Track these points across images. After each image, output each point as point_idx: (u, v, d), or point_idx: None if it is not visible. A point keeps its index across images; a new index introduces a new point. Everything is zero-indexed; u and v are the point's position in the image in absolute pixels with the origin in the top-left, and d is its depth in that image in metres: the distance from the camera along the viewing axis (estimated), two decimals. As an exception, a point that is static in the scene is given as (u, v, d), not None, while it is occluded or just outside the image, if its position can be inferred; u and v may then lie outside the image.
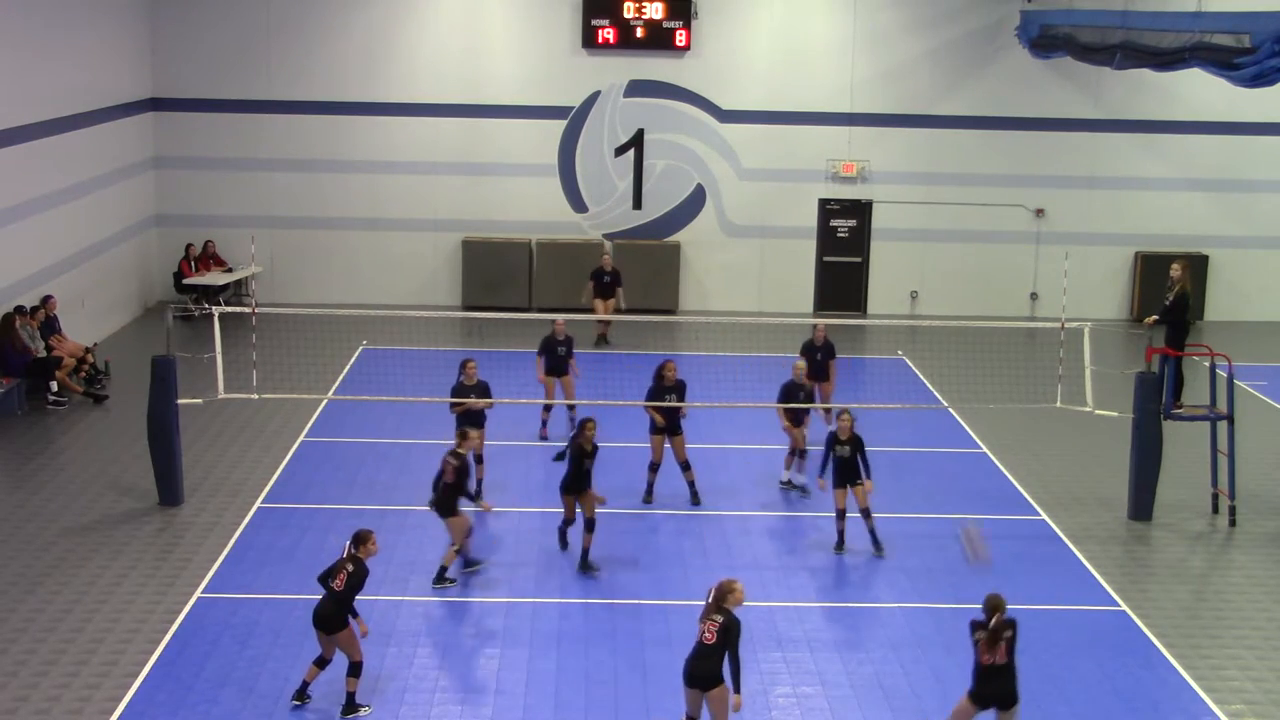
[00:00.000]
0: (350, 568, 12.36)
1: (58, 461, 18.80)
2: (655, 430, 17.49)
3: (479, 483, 17.37)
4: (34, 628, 13.76)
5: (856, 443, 15.93)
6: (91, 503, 17.24)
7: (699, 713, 11.37)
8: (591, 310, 25.05)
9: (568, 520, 15.77)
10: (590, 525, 15.41)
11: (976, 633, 11.08)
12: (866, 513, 15.97)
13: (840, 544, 16.11)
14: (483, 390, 17.43)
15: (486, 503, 15.93)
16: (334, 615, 12.28)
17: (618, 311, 24.98)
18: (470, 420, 17.19)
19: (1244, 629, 14.52)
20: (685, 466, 17.57)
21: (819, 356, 19.44)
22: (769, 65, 28.24)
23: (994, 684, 11.02)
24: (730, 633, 11.14)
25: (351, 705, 12.30)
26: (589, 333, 24.92)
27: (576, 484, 15.52)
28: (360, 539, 12.56)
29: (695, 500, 17.55)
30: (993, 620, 11.00)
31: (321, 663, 12.42)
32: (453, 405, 17.35)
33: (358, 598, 12.43)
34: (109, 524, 16.54)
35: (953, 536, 15.21)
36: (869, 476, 15.98)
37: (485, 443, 17.53)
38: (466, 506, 15.11)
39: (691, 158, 28.47)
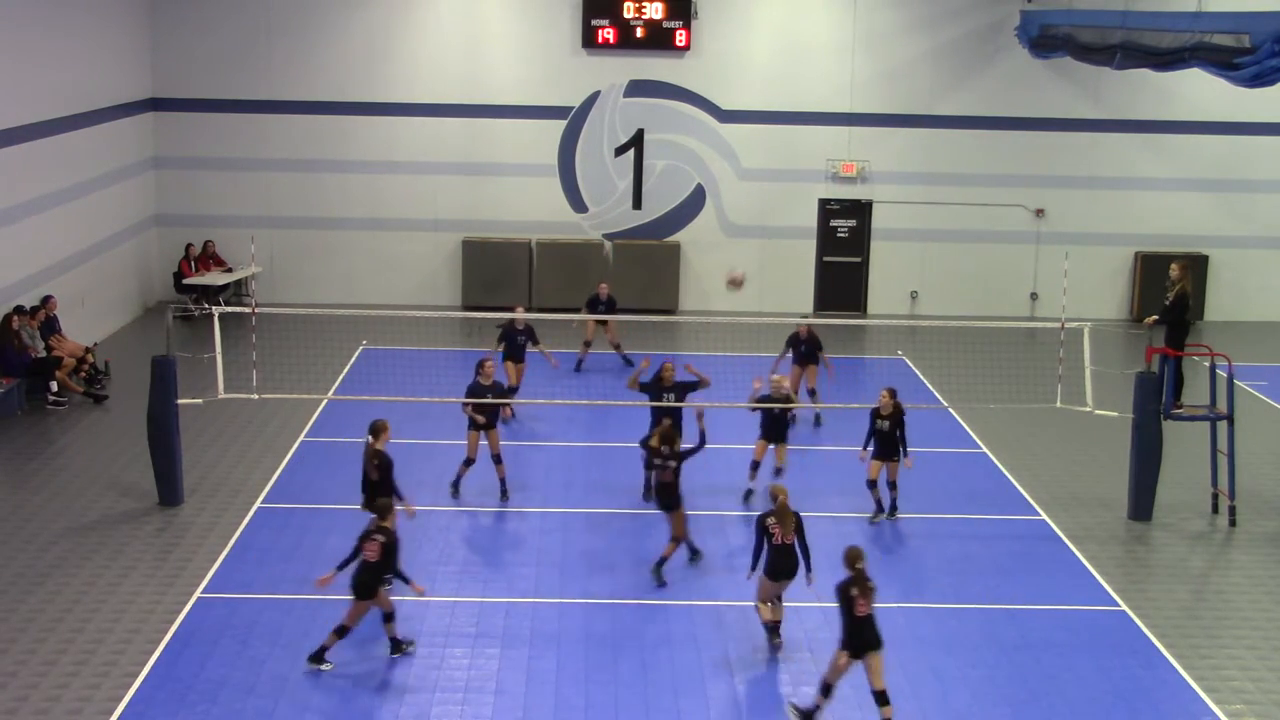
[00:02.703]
0: (381, 538, 12.93)
1: (58, 461, 18.80)
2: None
3: (502, 481, 17.43)
4: (34, 628, 13.77)
5: (897, 419, 16.78)
6: (91, 503, 17.23)
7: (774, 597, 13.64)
8: (585, 334, 23.83)
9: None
10: (679, 544, 15.42)
11: (853, 589, 11.88)
12: (893, 484, 17.03)
13: (879, 510, 17.08)
14: (499, 390, 17.50)
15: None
16: (370, 583, 12.93)
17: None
18: (485, 420, 17.27)
19: (1244, 629, 14.53)
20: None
21: (803, 349, 20.51)
22: (769, 65, 28.24)
23: (868, 633, 12.00)
24: (801, 529, 13.40)
25: (397, 646, 13.28)
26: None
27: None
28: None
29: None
30: (858, 567, 11.93)
31: (342, 631, 12.96)
32: (465, 405, 17.35)
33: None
34: (109, 524, 16.54)
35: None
36: (906, 454, 16.86)
37: (502, 442, 17.68)
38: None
39: (691, 158, 28.47)
